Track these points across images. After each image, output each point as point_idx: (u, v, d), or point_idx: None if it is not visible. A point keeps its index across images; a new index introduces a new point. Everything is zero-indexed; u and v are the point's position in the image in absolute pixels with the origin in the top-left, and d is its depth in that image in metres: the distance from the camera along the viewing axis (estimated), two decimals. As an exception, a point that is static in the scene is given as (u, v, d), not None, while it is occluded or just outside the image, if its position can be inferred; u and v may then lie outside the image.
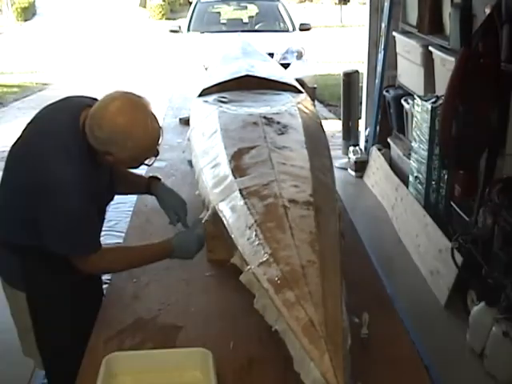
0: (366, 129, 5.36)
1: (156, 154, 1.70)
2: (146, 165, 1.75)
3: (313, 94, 5.77)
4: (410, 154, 4.03)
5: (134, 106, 1.60)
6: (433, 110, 3.50)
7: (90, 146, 1.62)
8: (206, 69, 4.20)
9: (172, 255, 1.76)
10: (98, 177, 1.71)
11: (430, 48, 3.83)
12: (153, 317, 1.73)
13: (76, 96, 1.80)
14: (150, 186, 2.07)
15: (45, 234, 1.63)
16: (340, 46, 13.30)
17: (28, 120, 1.74)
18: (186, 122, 3.18)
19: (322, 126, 2.45)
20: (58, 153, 1.61)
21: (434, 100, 3.56)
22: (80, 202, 1.60)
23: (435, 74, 3.85)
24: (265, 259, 1.41)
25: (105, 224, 1.92)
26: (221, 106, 2.50)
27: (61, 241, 1.63)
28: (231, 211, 1.67)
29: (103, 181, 1.78)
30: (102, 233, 1.85)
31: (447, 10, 3.65)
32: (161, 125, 1.69)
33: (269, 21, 8.43)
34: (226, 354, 1.48)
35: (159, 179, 2.11)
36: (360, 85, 5.43)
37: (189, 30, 8.04)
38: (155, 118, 1.65)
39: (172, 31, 8.39)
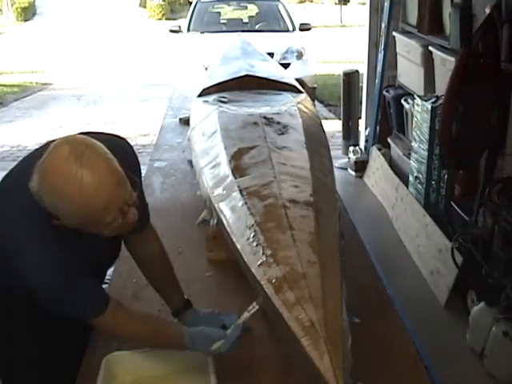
0: (366, 129, 5.35)
1: (130, 219, 1.32)
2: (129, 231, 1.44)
3: (313, 94, 5.78)
4: (409, 154, 4.03)
5: (73, 157, 1.20)
6: (433, 109, 3.49)
7: None
8: (206, 69, 4.20)
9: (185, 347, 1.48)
10: (85, 242, 1.39)
11: (430, 48, 3.83)
12: (153, 317, 1.73)
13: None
14: (181, 307, 1.70)
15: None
16: (340, 45, 13.31)
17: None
18: (186, 121, 3.18)
19: (322, 126, 2.45)
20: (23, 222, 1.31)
21: (434, 100, 3.55)
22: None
23: (435, 74, 3.84)
24: (265, 259, 1.41)
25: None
26: (221, 106, 2.50)
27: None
28: (231, 211, 1.67)
29: (95, 245, 1.43)
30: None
31: (447, 10, 3.65)
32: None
33: (269, 21, 8.43)
34: (226, 354, 1.47)
35: (191, 305, 1.71)
36: (360, 85, 5.43)
37: (189, 29, 8.04)
38: (111, 172, 1.24)
39: (172, 31, 8.39)
